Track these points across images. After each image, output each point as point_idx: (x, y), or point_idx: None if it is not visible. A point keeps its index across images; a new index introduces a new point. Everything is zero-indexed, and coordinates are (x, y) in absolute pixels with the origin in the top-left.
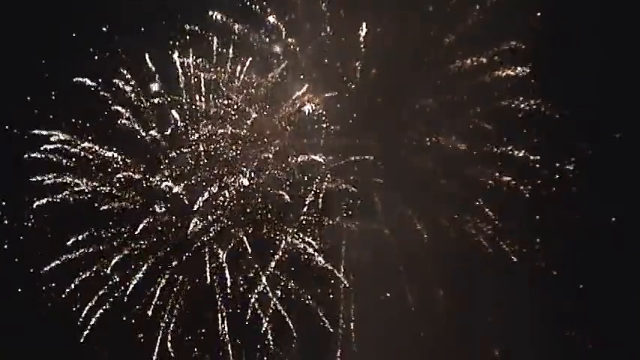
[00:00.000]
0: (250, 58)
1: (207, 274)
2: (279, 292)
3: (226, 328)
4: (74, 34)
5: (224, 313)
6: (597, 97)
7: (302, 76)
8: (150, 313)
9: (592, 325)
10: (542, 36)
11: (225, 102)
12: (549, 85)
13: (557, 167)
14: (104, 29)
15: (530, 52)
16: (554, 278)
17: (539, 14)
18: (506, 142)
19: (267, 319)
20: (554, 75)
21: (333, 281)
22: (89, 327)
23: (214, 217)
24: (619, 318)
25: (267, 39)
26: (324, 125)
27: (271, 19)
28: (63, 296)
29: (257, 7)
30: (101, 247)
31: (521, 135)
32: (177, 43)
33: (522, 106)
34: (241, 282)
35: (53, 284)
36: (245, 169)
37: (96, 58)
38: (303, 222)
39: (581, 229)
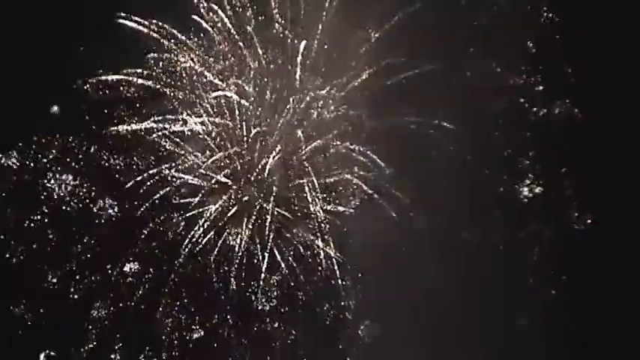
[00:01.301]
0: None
1: (214, 276)
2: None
3: (232, 330)
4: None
5: (229, 315)
6: (607, 100)
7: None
8: (155, 318)
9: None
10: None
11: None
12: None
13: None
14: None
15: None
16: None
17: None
18: (514, 146)
19: (273, 318)
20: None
21: (340, 274)
22: (94, 332)
23: (221, 222)
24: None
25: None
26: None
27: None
28: (68, 302)
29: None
30: (107, 253)
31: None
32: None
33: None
34: (251, 283)
35: (59, 290)
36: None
37: (97, 58)
38: (312, 216)
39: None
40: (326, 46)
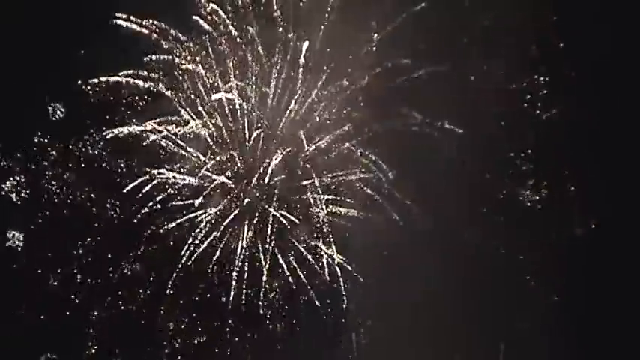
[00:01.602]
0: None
1: (215, 279)
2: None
3: (234, 334)
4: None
5: (231, 319)
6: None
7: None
8: (157, 321)
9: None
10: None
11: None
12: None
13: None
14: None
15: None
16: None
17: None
18: (516, 149)
19: (275, 321)
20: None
21: (341, 276)
22: (95, 335)
23: (223, 224)
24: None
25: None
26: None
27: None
28: (70, 305)
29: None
30: (108, 256)
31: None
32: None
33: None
34: (253, 286)
35: (60, 293)
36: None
37: (98, 60)
38: (314, 218)
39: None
40: (328, 48)
